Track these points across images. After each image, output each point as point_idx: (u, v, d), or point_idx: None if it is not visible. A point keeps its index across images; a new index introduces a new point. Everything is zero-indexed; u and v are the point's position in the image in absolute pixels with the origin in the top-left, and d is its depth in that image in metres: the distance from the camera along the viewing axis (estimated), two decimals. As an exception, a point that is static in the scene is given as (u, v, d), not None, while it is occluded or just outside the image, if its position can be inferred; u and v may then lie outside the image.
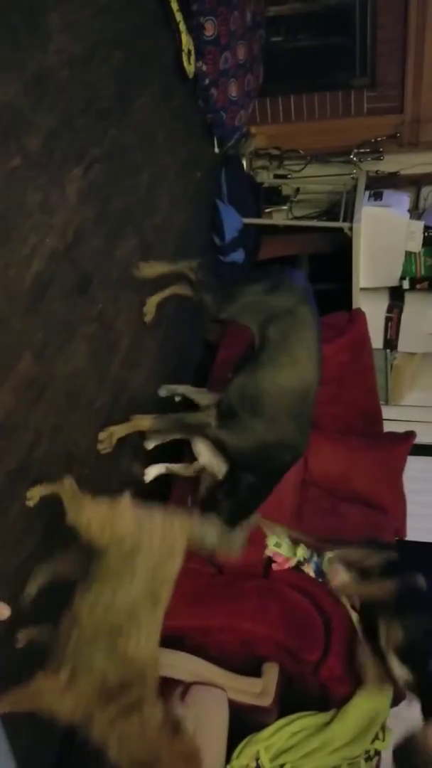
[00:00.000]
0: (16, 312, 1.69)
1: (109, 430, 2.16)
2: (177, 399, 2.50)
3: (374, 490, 3.27)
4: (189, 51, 2.69)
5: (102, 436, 2.16)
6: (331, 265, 4.04)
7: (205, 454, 2.26)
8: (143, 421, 2.24)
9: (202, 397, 2.34)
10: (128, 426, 2.21)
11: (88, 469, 2.11)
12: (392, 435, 3.42)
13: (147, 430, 2.30)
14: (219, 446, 2.17)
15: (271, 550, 2.28)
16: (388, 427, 3.57)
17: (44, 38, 1.70)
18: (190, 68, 2.76)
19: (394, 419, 3.82)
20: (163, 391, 2.55)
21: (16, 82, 1.58)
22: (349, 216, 3.57)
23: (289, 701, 2.10)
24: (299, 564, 2.27)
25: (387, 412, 3.76)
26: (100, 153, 2.10)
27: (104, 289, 2.20)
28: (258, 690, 2.03)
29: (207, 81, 2.94)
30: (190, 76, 2.80)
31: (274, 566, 2.24)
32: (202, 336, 3.35)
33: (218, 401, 2.14)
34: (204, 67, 2.87)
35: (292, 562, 2.26)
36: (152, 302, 2.44)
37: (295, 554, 2.27)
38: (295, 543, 2.32)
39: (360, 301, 3.77)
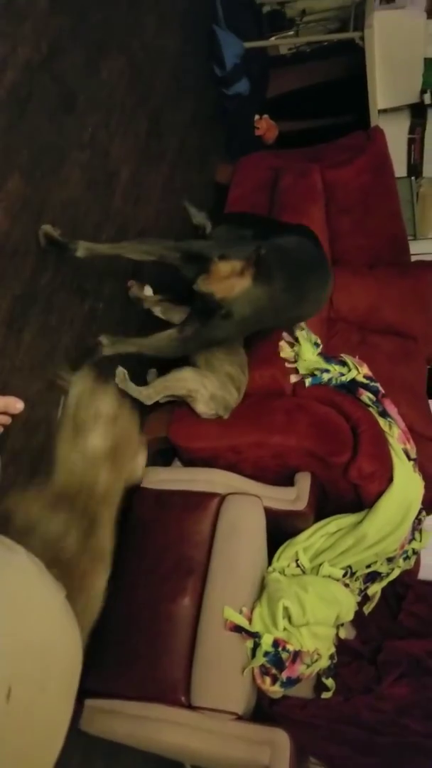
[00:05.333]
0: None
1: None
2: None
3: (404, 319, 3.20)
4: None
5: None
6: (348, 94, 3.74)
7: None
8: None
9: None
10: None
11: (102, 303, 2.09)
12: (421, 263, 3.29)
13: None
14: None
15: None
16: (417, 263, 3.41)
17: None
18: None
19: (423, 252, 3.66)
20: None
21: None
22: (360, 25, 3.25)
23: (326, 509, 2.16)
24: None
25: (415, 246, 3.60)
26: None
27: (93, 113, 2.07)
28: (292, 497, 2.07)
29: None
30: None
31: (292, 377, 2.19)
32: (213, 178, 3.20)
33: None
34: None
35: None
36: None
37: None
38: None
39: (379, 125, 3.51)
